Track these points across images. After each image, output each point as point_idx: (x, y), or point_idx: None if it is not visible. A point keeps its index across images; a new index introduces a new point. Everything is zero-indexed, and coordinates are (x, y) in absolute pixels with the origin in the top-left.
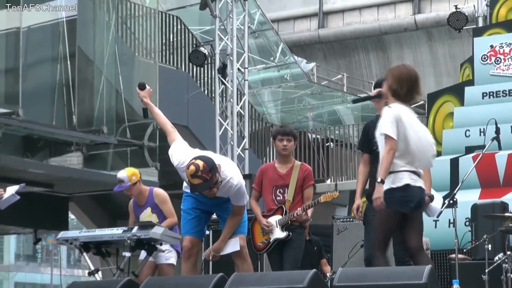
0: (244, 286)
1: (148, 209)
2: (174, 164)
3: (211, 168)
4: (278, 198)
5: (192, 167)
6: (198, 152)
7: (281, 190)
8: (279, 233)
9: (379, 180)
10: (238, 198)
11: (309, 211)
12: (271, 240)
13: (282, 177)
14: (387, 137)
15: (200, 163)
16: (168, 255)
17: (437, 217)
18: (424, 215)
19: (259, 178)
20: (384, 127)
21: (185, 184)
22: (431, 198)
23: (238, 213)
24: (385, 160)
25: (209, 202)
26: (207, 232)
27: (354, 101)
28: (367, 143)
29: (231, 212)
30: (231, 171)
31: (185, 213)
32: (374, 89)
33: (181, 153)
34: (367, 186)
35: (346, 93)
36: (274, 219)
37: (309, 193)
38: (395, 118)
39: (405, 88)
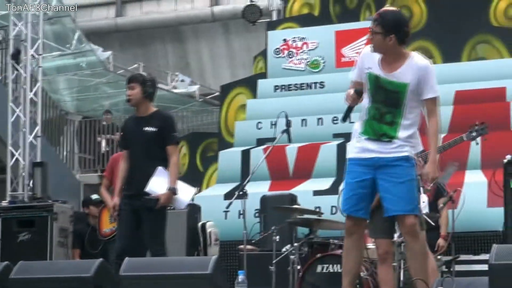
0: (30, 275)
1: None
2: None
3: None
4: None
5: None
6: None
7: None
8: None
9: None
10: (432, 84)
11: None
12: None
13: None
14: None
15: None
16: None
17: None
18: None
19: (110, 166)
20: None
21: None
22: (173, 190)
23: (435, 112)
24: None
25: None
26: None
27: None
28: (124, 140)
29: (428, 114)
30: None
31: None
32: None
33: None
34: None
35: None
36: None
37: None
38: None
39: None
